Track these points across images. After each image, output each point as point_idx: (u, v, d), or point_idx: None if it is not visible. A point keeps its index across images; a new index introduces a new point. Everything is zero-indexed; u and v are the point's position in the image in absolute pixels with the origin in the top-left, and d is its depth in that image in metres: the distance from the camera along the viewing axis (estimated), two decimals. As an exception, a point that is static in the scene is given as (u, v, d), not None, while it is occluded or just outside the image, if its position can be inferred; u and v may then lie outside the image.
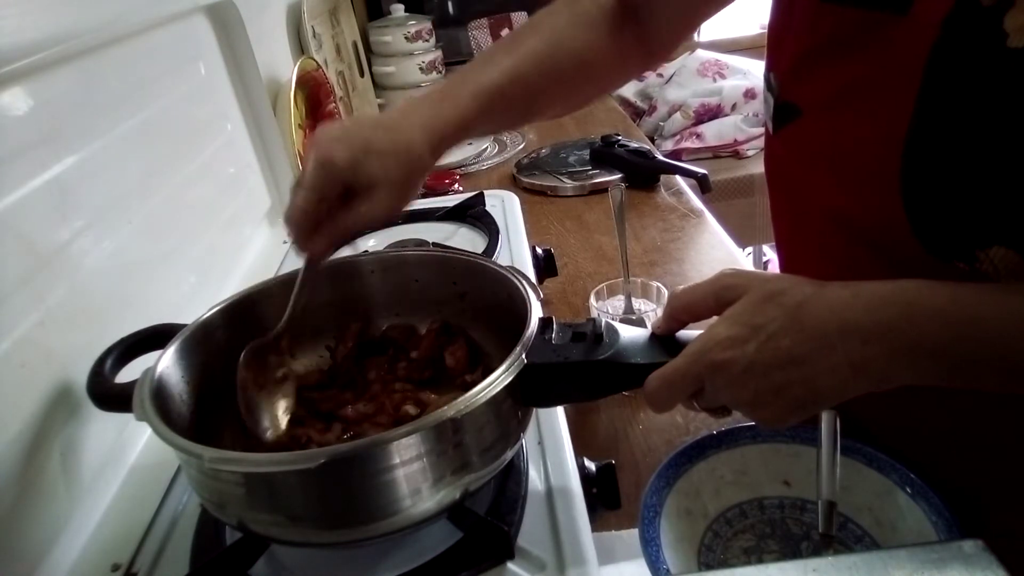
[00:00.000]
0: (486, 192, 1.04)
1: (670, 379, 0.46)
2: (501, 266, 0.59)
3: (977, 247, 0.44)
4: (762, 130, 1.97)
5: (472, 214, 1.00)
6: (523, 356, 0.47)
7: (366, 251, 0.95)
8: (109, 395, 0.54)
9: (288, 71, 1.21)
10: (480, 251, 0.88)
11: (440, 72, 1.85)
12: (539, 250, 0.91)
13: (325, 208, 0.52)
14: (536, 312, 0.52)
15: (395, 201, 0.53)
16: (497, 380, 0.45)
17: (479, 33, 1.83)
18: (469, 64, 0.60)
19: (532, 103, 0.62)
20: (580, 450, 0.58)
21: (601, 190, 1.25)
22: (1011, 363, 0.41)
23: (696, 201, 1.21)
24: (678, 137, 2.03)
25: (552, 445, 0.58)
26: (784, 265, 0.67)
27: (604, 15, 0.64)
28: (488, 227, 0.95)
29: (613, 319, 0.56)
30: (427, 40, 1.80)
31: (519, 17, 1.85)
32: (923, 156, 0.45)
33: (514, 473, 0.54)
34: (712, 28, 2.35)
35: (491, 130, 0.64)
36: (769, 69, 0.58)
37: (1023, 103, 0.41)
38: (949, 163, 0.44)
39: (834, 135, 0.51)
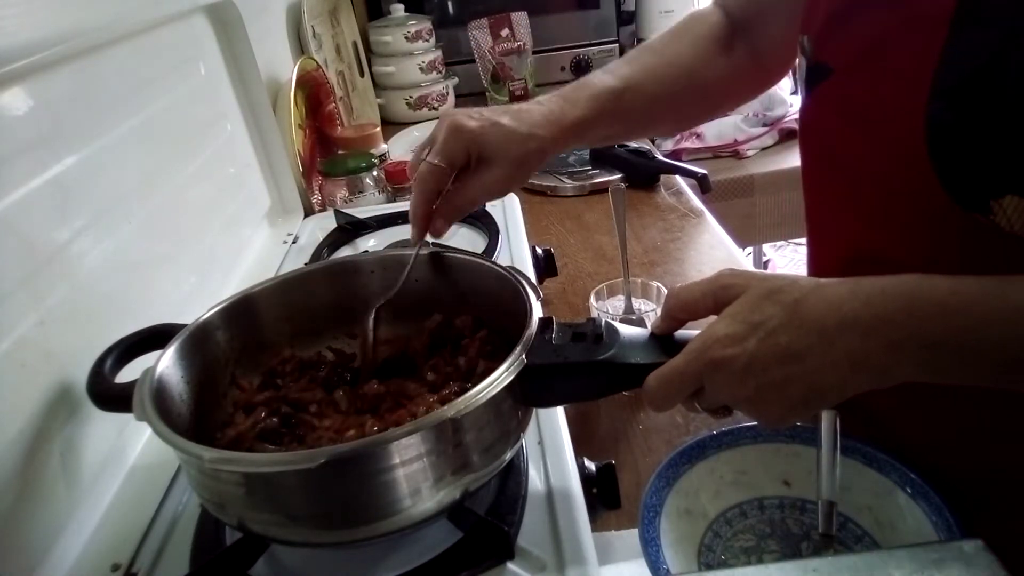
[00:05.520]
0: (486, 192, 1.04)
1: (669, 378, 0.46)
2: (501, 266, 0.59)
3: (992, 197, 0.44)
4: (763, 130, 1.98)
5: (472, 214, 1.00)
6: (523, 356, 0.47)
7: (366, 251, 0.95)
8: (109, 395, 0.54)
9: (288, 71, 1.22)
10: (480, 251, 0.88)
11: (440, 72, 1.85)
12: (539, 250, 0.91)
13: (448, 178, 0.57)
14: (536, 312, 0.52)
15: (510, 176, 0.59)
16: (497, 380, 0.45)
17: (479, 33, 1.83)
18: (589, 74, 0.66)
19: (647, 112, 0.67)
20: (580, 450, 0.58)
21: (601, 190, 1.25)
22: (1010, 355, 0.41)
23: (696, 201, 1.21)
24: (678, 137, 2.02)
25: (552, 445, 0.58)
26: (813, 241, 0.68)
27: (715, 35, 0.70)
28: (488, 227, 0.95)
29: (613, 319, 0.56)
30: (427, 40, 1.80)
31: (519, 17, 1.84)
32: (947, 104, 0.46)
33: (514, 473, 0.54)
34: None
35: (611, 134, 0.69)
36: (803, 33, 0.59)
37: None
38: (971, 111, 0.45)
39: (864, 89, 0.53)
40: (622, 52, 2.10)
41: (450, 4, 1.99)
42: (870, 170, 0.54)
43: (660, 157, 1.31)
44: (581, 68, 2.04)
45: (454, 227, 1.00)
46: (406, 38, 1.77)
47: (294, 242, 1.04)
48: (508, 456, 0.50)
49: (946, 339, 0.42)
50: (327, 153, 1.34)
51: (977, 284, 0.42)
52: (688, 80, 0.68)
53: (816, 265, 0.67)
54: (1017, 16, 0.42)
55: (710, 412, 0.48)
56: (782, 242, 3.01)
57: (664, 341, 0.49)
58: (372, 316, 0.59)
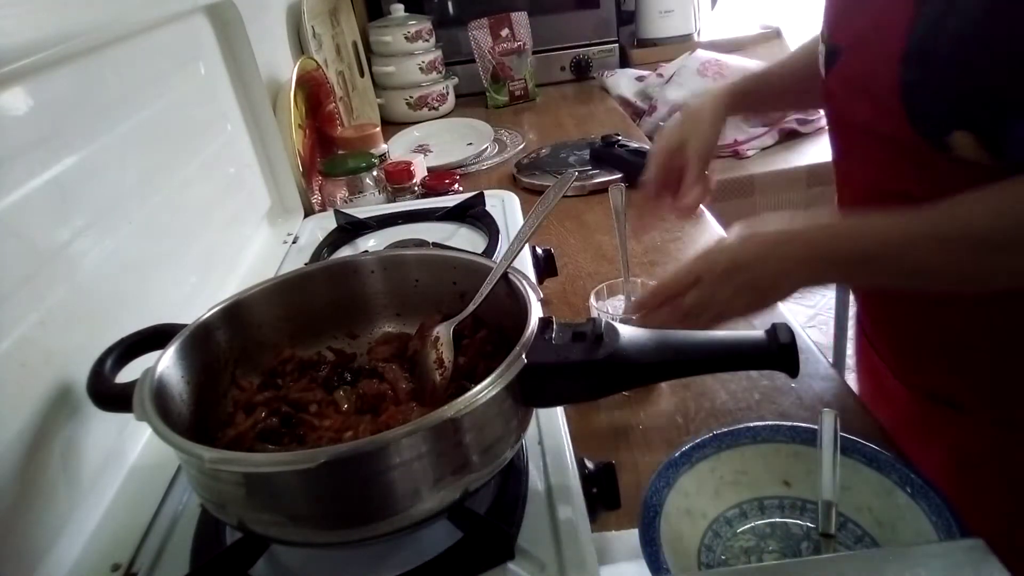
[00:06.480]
0: (486, 192, 1.04)
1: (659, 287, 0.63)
2: (501, 266, 0.59)
3: (943, 135, 0.55)
4: (763, 130, 1.99)
5: (472, 214, 1.00)
6: (523, 356, 0.47)
7: (366, 251, 0.95)
8: (109, 395, 0.54)
9: (288, 71, 1.22)
10: (480, 251, 0.88)
11: (440, 72, 1.85)
12: (539, 250, 0.91)
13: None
14: (536, 312, 0.52)
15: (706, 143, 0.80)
16: (497, 380, 0.45)
17: (479, 33, 1.83)
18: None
19: (785, 92, 0.89)
20: (580, 450, 0.58)
21: (601, 190, 1.25)
22: (905, 268, 0.56)
23: (696, 201, 1.21)
24: (678, 137, 2.02)
25: (552, 445, 0.58)
26: (842, 188, 0.79)
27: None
28: (488, 227, 0.95)
29: (613, 319, 0.56)
30: (427, 40, 1.80)
31: (519, 17, 1.84)
32: (909, 67, 0.56)
33: (514, 473, 0.54)
34: (712, 28, 2.34)
35: (762, 105, 0.99)
36: (824, 21, 0.72)
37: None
38: (923, 71, 0.55)
39: (862, 63, 0.63)
40: (622, 52, 2.10)
41: (450, 4, 1.99)
42: (872, 128, 0.64)
43: (660, 157, 1.31)
44: (581, 68, 2.04)
45: (454, 227, 1.00)
46: (406, 38, 1.77)
47: (294, 242, 1.04)
48: (508, 456, 0.50)
49: (852, 256, 0.57)
50: (327, 153, 1.34)
51: (894, 218, 0.55)
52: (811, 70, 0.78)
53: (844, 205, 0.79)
54: None
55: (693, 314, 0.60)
56: (782, 242, 3.00)
57: (664, 342, 0.50)
58: (450, 334, 0.57)
